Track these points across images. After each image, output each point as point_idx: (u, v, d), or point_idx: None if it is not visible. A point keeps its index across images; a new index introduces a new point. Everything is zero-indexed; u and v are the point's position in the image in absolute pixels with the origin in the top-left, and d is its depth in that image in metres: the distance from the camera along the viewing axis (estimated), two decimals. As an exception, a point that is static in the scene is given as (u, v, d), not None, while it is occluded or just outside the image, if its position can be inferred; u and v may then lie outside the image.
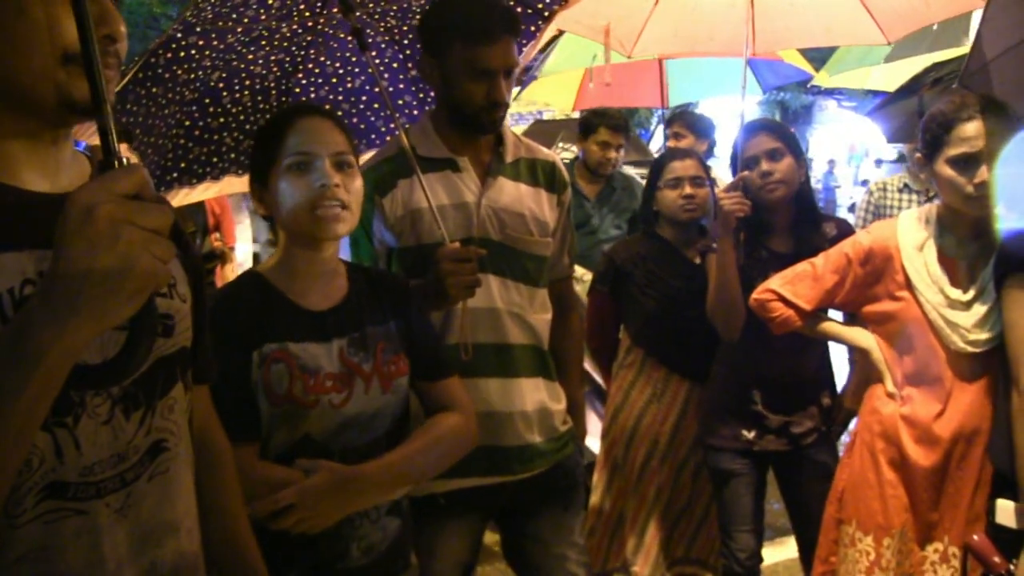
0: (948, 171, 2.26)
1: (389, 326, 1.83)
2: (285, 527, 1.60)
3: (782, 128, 2.85)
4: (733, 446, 2.87)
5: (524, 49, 2.26)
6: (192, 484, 1.23)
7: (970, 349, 2.28)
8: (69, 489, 1.03)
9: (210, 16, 1.95)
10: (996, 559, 2.04)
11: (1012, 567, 2.02)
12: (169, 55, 2.03)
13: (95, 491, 1.05)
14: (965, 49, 2.52)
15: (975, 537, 2.10)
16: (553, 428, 2.30)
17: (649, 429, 3.11)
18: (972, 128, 2.22)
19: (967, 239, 2.34)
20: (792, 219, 2.81)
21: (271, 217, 1.76)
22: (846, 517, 2.50)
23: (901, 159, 4.53)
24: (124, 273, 0.80)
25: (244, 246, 5.00)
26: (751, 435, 2.83)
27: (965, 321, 2.29)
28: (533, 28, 2.34)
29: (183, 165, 2.21)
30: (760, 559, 2.94)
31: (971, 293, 2.30)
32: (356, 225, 1.76)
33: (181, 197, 2.36)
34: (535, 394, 2.26)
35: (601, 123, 4.52)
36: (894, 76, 4.82)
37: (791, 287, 2.58)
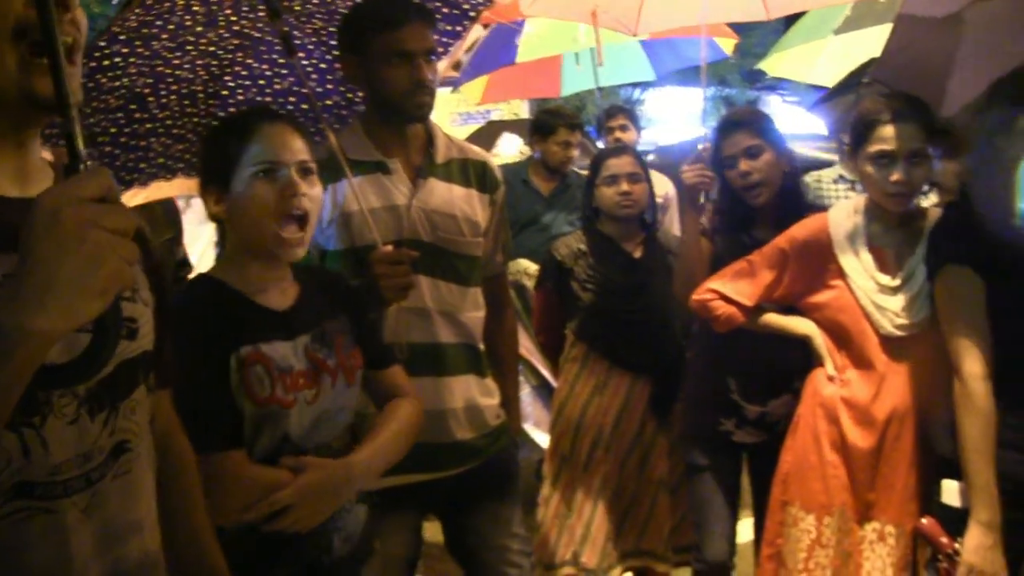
0: (869, 167, 2.41)
1: (342, 320, 1.88)
2: (283, 527, 1.65)
3: (759, 121, 2.87)
4: (710, 436, 2.92)
5: (450, 48, 2.35)
6: (153, 485, 1.28)
7: (899, 333, 2.42)
8: (36, 488, 1.07)
9: (134, 24, 1.93)
10: (943, 540, 2.17)
11: (958, 546, 2.13)
12: (93, 64, 2.04)
13: (62, 490, 1.10)
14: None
15: (924, 521, 2.24)
16: (485, 424, 2.38)
17: (593, 421, 3.18)
18: (890, 129, 2.36)
19: (893, 227, 2.48)
20: (776, 208, 2.83)
21: (220, 219, 1.79)
22: (790, 498, 2.59)
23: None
24: (91, 273, 0.84)
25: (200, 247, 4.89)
26: (729, 424, 2.89)
27: (894, 306, 2.42)
28: (459, 28, 2.42)
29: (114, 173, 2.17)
30: (731, 557, 3.01)
31: (899, 279, 2.43)
32: (314, 229, 1.81)
33: None
34: (466, 391, 2.34)
35: (560, 123, 4.53)
36: (835, 70, 4.87)
37: (731, 285, 2.65)
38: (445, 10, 2.37)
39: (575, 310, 3.26)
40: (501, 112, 9.80)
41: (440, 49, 2.36)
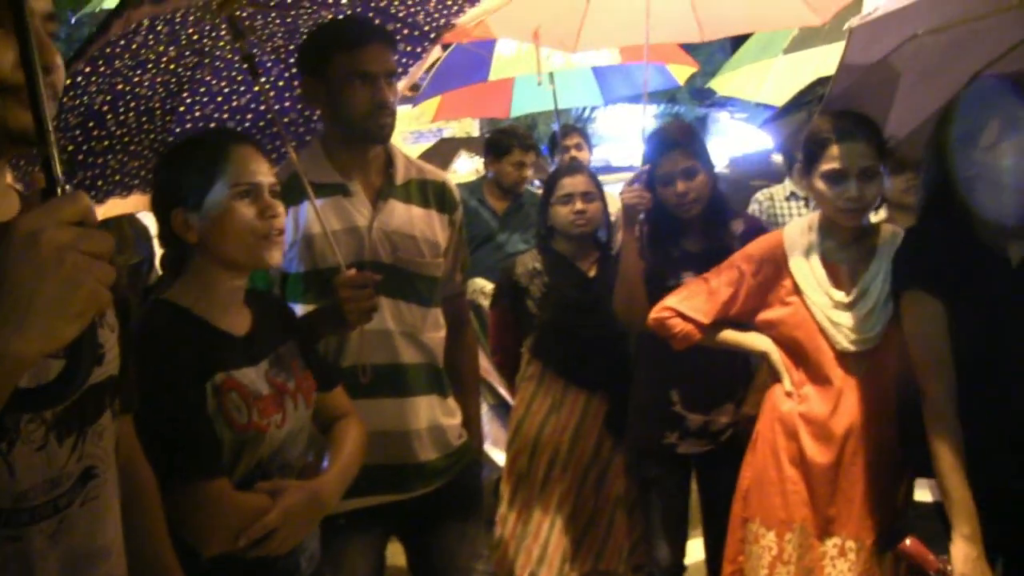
0: (821, 185, 2.45)
1: (291, 344, 1.90)
2: (269, 551, 1.66)
3: (694, 143, 2.96)
4: (656, 450, 2.95)
5: (410, 69, 2.37)
6: (119, 511, 1.27)
7: (854, 348, 2.45)
8: (2, 516, 1.06)
9: (100, 46, 1.91)
10: (930, 558, 2.21)
11: (944, 565, 2.18)
12: None
13: (29, 517, 1.09)
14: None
15: (907, 542, 2.27)
16: (448, 444, 2.38)
17: (550, 439, 3.20)
18: (843, 148, 2.40)
19: (846, 244, 2.53)
20: (703, 219, 2.92)
21: (183, 241, 1.77)
22: (750, 515, 2.61)
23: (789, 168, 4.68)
24: (68, 296, 0.84)
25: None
26: (673, 437, 2.91)
27: (849, 321, 2.46)
28: (420, 49, 2.44)
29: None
30: (682, 568, 3.04)
31: (853, 295, 2.47)
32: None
33: None
34: (429, 412, 2.34)
35: (515, 144, 4.55)
36: (783, 90, 4.96)
37: (688, 303, 2.68)
38: (406, 31, 2.38)
39: (530, 328, 3.30)
40: (453, 130, 9.83)
41: (399, 70, 2.37)
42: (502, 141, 4.61)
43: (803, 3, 3.29)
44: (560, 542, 3.18)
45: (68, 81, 2.02)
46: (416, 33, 2.40)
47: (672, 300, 2.70)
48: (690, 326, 2.66)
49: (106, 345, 1.23)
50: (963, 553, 2.14)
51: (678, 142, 2.89)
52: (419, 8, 2.33)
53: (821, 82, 4.32)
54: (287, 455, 1.78)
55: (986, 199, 2.21)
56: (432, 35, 2.40)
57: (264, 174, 1.75)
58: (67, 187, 0.90)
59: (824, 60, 4.70)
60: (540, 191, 3.90)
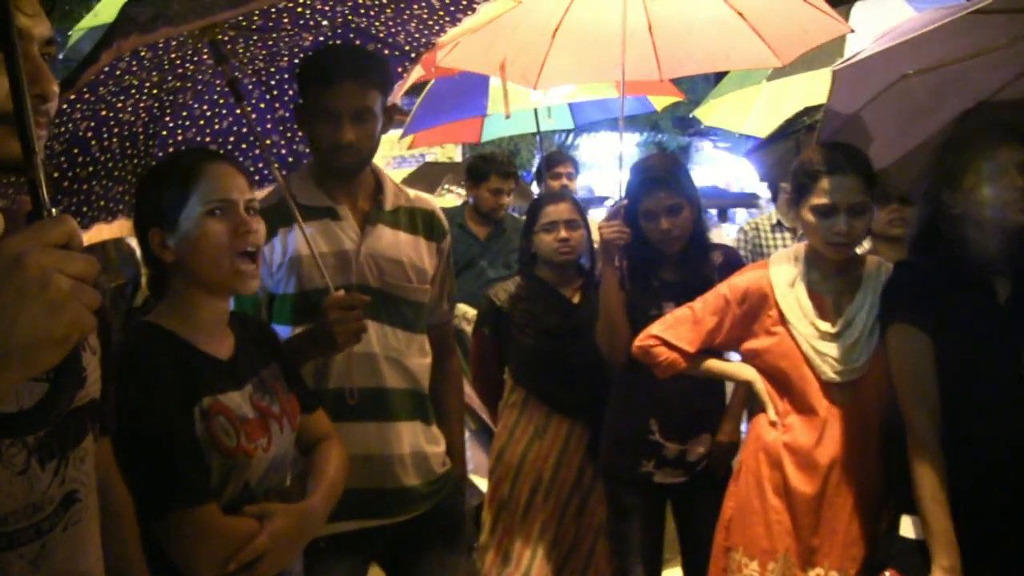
0: (810, 217, 2.48)
1: (274, 367, 1.91)
2: (259, 575, 1.66)
3: (680, 179, 2.97)
4: (632, 478, 2.96)
5: (392, 89, 2.36)
6: (99, 535, 1.27)
7: (839, 379, 2.47)
8: None
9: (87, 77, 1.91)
10: None
11: None
12: None
13: (7, 542, 1.08)
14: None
15: (887, 574, 2.27)
16: (431, 471, 2.39)
17: (533, 466, 3.21)
18: (834, 182, 2.42)
19: (832, 275, 2.56)
20: (684, 251, 2.95)
21: (162, 261, 1.78)
22: (733, 544, 2.61)
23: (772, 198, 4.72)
24: (52, 320, 0.84)
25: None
26: (650, 466, 2.93)
27: (834, 352, 2.48)
28: (400, 69, 2.43)
29: None
30: None
31: (839, 325, 2.49)
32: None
33: None
34: (412, 437, 2.35)
35: (492, 170, 4.58)
36: (767, 120, 5.00)
37: (673, 331, 2.70)
38: (386, 51, 2.39)
39: (513, 355, 3.31)
40: (436, 155, 9.86)
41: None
42: (480, 167, 4.64)
43: (764, 45, 3.34)
44: (542, 570, 3.18)
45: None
46: (397, 53, 2.40)
47: (657, 328, 2.72)
48: (675, 354, 2.68)
49: (88, 368, 1.23)
50: None
51: (663, 180, 2.91)
52: (400, 28, 2.34)
53: (807, 111, 4.36)
54: (273, 479, 1.79)
55: (971, 237, 2.27)
56: (413, 55, 2.41)
57: (239, 191, 1.75)
58: (53, 211, 0.90)
59: (808, 88, 4.76)
60: (523, 217, 3.92)
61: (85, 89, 1.91)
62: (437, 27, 2.33)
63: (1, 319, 0.83)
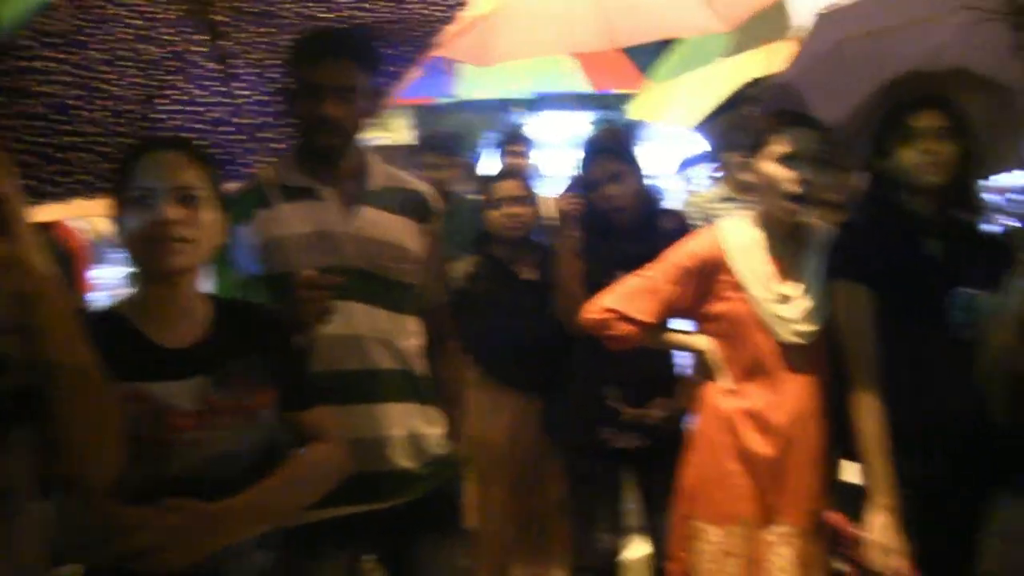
0: (771, 169, 2.55)
1: (253, 359, 1.86)
2: (147, 567, 1.62)
3: (623, 149, 3.07)
4: (591, 446, 3.03)
5: (389, 89, 2.41)
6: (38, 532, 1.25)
7: (799, 340, 2.57)
8: None
9: (69, 28, 1.93)
10: (850, 529, 2.39)
11: (861, 533, 2.37)
12: (21, 64, 2.02)
13: None
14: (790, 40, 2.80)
15: (830, 515, 2.47)
16: (426, 452, 2.33)
17: (486, 443, 3.26)
18: (796, 131, 2.53)
19: (785, 239, 2.65)
20: (635, 220, 3.04)
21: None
22: (694, 511, 2.67)
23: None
24: None
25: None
26: (608, 432, 2.99)
27: (790, 314, 2.58)
28: (399, 69, 2.48)
29: (32, 184, 2.13)
30: (615, 558, 3.10)
31: (796, 288, 2.60)
32: (204, 257, 1.83)
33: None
34: (406, 419, 2.30)
35: (427, 147, 4.56)
36: (694, 109, 5.04)
37: (629, 303, 2.72)
38: (388, 50, 2.41)
39: (467, 332, 3.33)
40: (383, 139, 9.81)
41: (369, 86, 2.35)
42: (421, 146, 4.66)
43: (711, 10, 3.40)
44: (497, 547, 3.26)
45: (38, 64, 2.02)
46: (398, 52, 2.43)
47: (612, 300, 2.74)
48: (631, 327, 2.70)
49: (12, 352, 1.21)
50: (880, 521, 2.32)
51: (606, 149, 3.01)
52: (401, 27, 2.36)
53: (755, 82, 4.43)
54: (220, 475, 1.75)
55: (902, 199, 2.47)
56: (413, 55, 2.45)
57: (170, 179, 1.74)
58: None
59: (733, 74, 4.79)
60: (472, 197, 3.97)
61: (73, 48, 1.90)
62: (436, 25, 2.37)
63: None
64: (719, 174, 4.36)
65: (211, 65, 2.33)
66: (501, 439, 3.25)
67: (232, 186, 2.29)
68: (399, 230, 2.33)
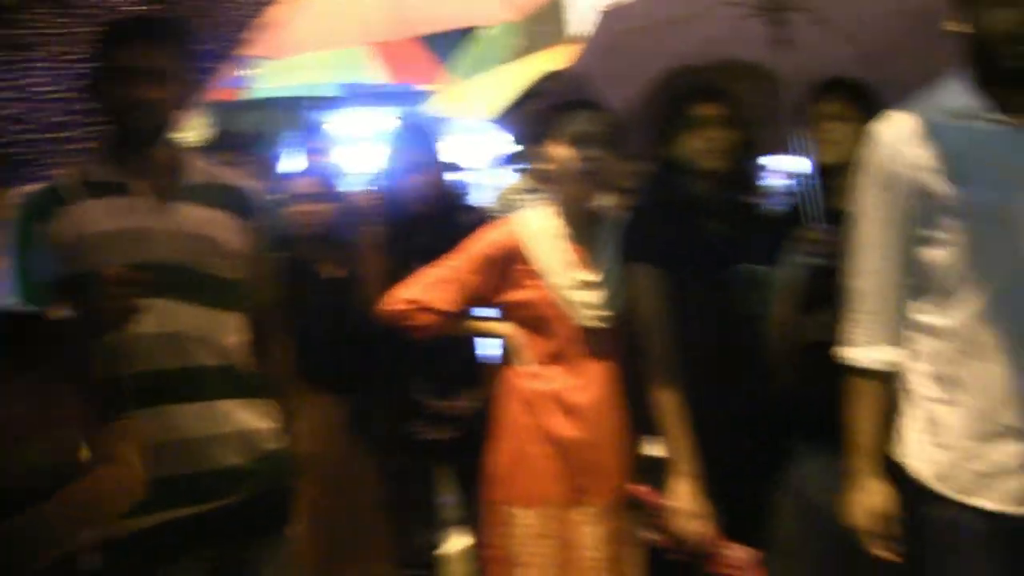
0: (562, 150, 2.65)
1: (31, 377, 1.80)
2: None
3: (423, 142, 3.22)
4: (403, 442, 3.10)
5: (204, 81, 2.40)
6: None
7: (598, 324, 2.67)
8: None
9: None
10: (655, 499, 2.52)
11: (665, 500, 2.51)
12: None
13: None
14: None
15: (635, 487, 2.58)
16: (258, 448, 2.28)
17: (294, 446, 3.15)
18: (584, 114, 2.67)
19: (582, 225, 2.75)
20: (433, 212, 3.13)
21: None
22: (503, 497, 2.72)
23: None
24: None
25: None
26: (417, 426, 3.06)
27: (590, 299, 2.68)
28: (211, 66, 2.47)
29: None
30: (434, 551, 3.09)
31: (593, 274, 2.71)
32: None
33: None
34: (235, 414, 2.25)
35: (223, 144, 4.45)
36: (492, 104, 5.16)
37: (431, 293, 2.76)
38: (200, 46, 2.38)
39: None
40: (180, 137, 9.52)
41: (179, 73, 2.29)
42: (217, 144, 4.55)
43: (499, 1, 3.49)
44: (315, 553, 3.20)
45: None
46: (210, 49, 2.41)
47: (412, 291, 2.77)
48: (434, 317, 2.74)
49: None
50: (682, 488, 2.47)
51: (407, 140, 3.06)
52: (211, 25, 2.35)
53: (550, 76, 4.54)
54: None
55: (685, 183, 2.65)
56: (223, 54, 2.45)
57: None
58: None
59: (527, 70, 4.94)
60: (270, 197, 3.91)
61: None
62: (245, 20, 2.37)
63: None
64: (522, 166, 4.44)
65: (8, 58, 2.24)
66: (310, 441, 3.20)
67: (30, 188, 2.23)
68: (218, 226, 2.27)
